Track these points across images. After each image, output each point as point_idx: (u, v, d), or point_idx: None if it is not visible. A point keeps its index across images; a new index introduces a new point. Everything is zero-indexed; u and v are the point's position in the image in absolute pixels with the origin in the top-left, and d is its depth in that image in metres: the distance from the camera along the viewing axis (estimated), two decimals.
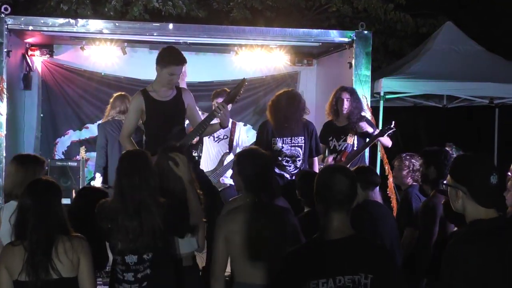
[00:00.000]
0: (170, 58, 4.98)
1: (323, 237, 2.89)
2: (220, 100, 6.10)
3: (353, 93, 6.74)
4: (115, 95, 7.28)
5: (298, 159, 6.09)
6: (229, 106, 5.31)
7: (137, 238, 3.53)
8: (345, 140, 6.54)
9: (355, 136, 6.54)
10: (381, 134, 6.45)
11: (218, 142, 6.86)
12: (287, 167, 6.06)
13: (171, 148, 4.03)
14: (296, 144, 6.09)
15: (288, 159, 6.08)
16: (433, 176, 4.89)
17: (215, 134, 6.61)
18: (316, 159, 6.29)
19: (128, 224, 3.53)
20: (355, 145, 6.52)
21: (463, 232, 2.83)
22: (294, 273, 2.83)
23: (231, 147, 6.83)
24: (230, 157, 6.68)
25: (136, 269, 3.57)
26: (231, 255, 3.66)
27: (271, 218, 3.62)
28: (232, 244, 3.61)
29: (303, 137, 6.08)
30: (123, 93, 7.28)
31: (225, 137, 6.84)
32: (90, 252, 3.35)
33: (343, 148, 6.54)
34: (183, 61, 5.04)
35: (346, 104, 6.57)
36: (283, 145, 6.05)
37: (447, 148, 6.45)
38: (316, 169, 6.13)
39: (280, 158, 6.02)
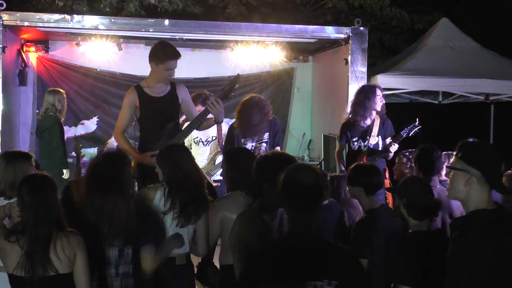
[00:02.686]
0: (165, 53, 4.97)
1: (287, 238, 2.77)
2: (199, 106, 6.27)
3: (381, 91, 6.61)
4: None
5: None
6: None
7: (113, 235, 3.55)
8: (369, 141, 6.40)
9: (379, 137, 6.40)
10: (408, 133, 6.26)
11: (208, 145, 7.01)
12: None
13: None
14: (262, 140, 6.26)
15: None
16: None
17: (204, 138, 6.89)
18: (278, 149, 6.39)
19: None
20: (380, 146, 6.39)
21: (465, 223, 2.68)
22: (254, 275, 2.71)
23: (221, 146, 6.97)
24: (220, 157, 6.82)
25: (117, 263, 3.60)
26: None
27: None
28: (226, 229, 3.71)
29: (268, 133, 6.26)
30: None
31: (213, 138, 7.00)
32: (86, 248, 3.35)
33: (366, 149, 6.41)
34: (178, 54, 5.02)
35: (380, 103, 6.40)
36: (252, 144, 6.22)
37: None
38: None
39: None
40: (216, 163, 6.88)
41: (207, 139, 6.93)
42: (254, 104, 6.14)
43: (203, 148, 6.99)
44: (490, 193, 2.69)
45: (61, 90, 6.96)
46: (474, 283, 2.51)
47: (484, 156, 2.70)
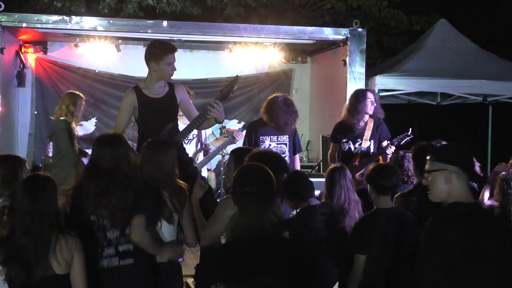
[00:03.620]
0: (163, 49, 4.96)
1: (238, 236, 2.85)
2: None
3: (375, 95, 6.60)
4: None
5: (283, 155, 6.16)
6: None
7: (113, 214, 3.63)
8: (360, 144, 6.34)
9: (372, 141, 6.36)
10: (399, 142, 6.21)
11: (190, 143, 7.06)
12: None
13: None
14: (282, 142, 6.23)
15: None
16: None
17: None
18: (297, 157, 6.40)
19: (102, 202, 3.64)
20: (371, 149, 6.34)
21: (443, 212, 2.85)
22: (208, 273, 2.82)
23: (201, 144, 7.15)
24: (201, 155, 7.13)
25: (117, 243, 3.68)
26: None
27: None
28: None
29: (287, 136, 6.24)
30: None
31: (194, 136, 7.06)
32: (83, 250, 3.35)
33: (358, 152, 6.36)
34: (175, 47, 5.02)
35: (371, 106, 6.33)
36: (270, 143, 6.19)
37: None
38: (298, 166, 6.37)
39: None
40: (198, 161, 7.00)
41: (188, 138, 6.95)
42: (288, 100, 6.19)
43: (187, 147, 7.00)
44: (468, 186, 2.90)
45: (81, 94, 6.92)
46: (441, 270, 2.68)
47: (456, 152, 2.95)
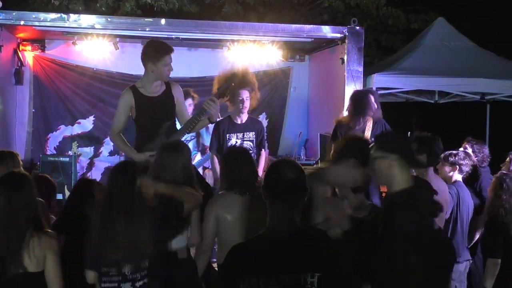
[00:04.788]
0: (160, 50, 4.96)
1: (268, 232, 2.77)
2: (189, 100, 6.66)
3: (376, 95, 6.58)
4: None
5: (250, 152, 6.26)
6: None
7: (132, 251, 3.48)
8: None
9: (371, 140, 6.37)
10: None
11: (188, 144, 7.03)
12: None
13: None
14: (248, 139, 6.41)
15: None
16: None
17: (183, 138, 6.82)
18: (263, 152, 6.57)
19: (120, 238, 3.47)
20: None
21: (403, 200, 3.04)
22: (235, 268, 2.71)
23: (198, 146, 7.22)
24: (198, 156, 7.20)
25: (134, 278, 3.54)
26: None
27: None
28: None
29: (253, 133, 6.45)
30: None
31: (192, 137, 7.12)
32: (58, 250, 3.33)
33: None
34: (171, 48, 5.03)
35: (372, 106, 6.31)
36: (237, 140, 6.37)
37: (467, 146, 6.18)
38: (262, 162, 6.55)
39: None
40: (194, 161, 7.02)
41: (186, 138, 6.96)
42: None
43: None
44: (410, 172, 3.16)
45: None
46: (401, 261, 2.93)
47: (397, 142, 3.21)
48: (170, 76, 5.09)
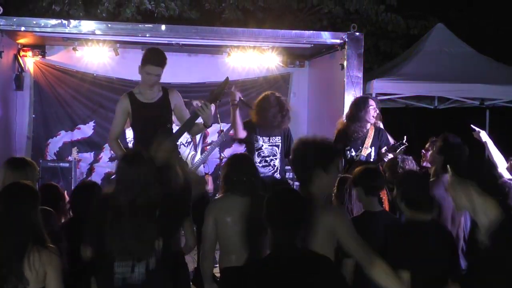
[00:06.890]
0: (148, 57, 4.97)
1: (269, 257, 2.86)
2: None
3: (377, 102, 6.58)
4: None
5: (275, 157, 6.21)
6: (213, 106, 5.42)
7: (136, 244, 3.44)
8: (361, 151, 6.32)
9: (373, 148, 6.34)
10: (394, 150, 6.19)
11: (188, 146, 7.10)
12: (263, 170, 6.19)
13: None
14: (274, 144, 6.29)
15: (266, 159, 6.20)
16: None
17: (183, 140, 6.92)
18: None
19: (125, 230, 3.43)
20: (372, 157, 6.32)
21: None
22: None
23: (195, 147, 7.20)
24: (198, 156, 7.16)
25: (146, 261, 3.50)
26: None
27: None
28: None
29: (280, 137, 6.31)
30: None
31: (188, 141, 7.09)
32: (60, 266, 3.24)
33: (357, 159, 6.31)
34: (160, 62, 4.96)
35: (373, 113, 6.33)
36: (263, 144, 6.25)
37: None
38: None
39: (258, 162, 6.18)
40: (194, 161, 7.07)
41: (187, 140, 6.99)
42: (278, 97, 6.33)
43: (184, 148, 7.03)
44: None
45: None
46: None
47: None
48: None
